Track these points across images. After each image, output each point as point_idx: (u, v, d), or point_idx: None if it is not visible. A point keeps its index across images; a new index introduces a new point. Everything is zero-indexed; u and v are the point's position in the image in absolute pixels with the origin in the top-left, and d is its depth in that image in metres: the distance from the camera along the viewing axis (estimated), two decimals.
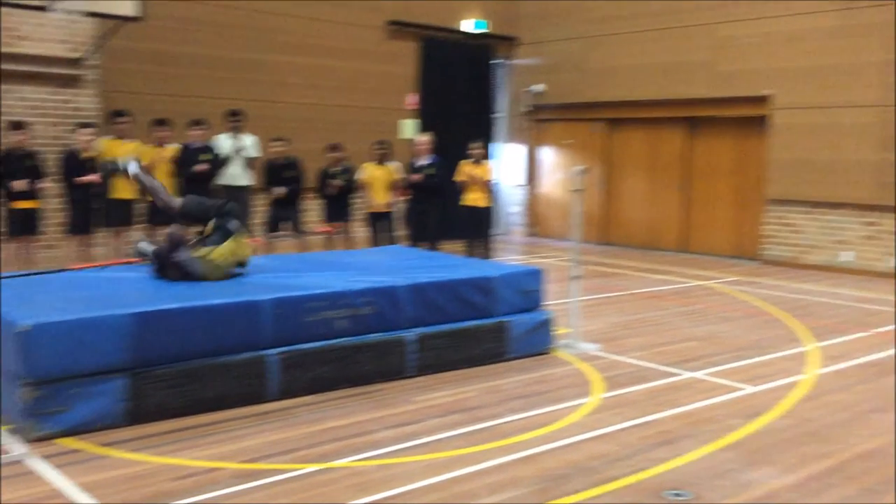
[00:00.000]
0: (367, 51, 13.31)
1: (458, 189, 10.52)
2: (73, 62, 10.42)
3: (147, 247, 6.08)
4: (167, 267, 5.71)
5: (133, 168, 6.43)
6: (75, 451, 4.25)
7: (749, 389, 5.61)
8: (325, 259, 7.21)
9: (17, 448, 4.17)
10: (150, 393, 4.65)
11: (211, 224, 5.84)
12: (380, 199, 10.31)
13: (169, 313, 4.77)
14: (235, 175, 10.05)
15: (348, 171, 10.30)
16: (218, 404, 4.87)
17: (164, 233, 6.09)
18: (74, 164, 9.01)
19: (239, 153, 10.09)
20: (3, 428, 4.42)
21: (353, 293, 5.51)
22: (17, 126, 8.92)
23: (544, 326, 6.43)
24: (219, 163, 9.83)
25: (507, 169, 15.28)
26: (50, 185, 9.18)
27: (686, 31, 12.75)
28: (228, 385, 4.92)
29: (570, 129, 14.75)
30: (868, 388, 5.70)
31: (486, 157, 10.86)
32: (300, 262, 6.83)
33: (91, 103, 10.57)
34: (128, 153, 9.39)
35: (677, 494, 3.84)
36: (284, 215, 10.13)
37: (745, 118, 12.38)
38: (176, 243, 5.72)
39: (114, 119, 9.64)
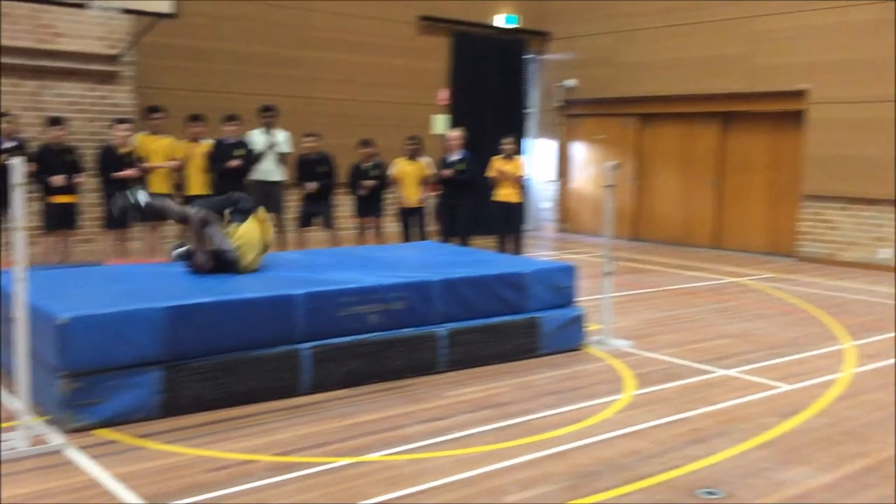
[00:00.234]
0: (398, 46, 13.34)
1: (490, 184, 10.51)
2: (110, 59, 10.56)
3: (182, 249, 6.14)
4: (198, 249, 5.75)
5: (143, 198, 6.72)
6: (112, 442, 4.31)
7: (784, 388, 5.54)
8: (356, 254, 7.24)
9: (54, 439, 4.24)
10: (185, 385, 4.71)
11: (227, 213, 5.94)
12: (411, 194, 10.33)
13: (203, 307, 4.82)
14: (268, 170, 10.13)
15: (380, 167, 10.33)
16: (251, 397, 4.92)
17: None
18: (111, 159, 9.13)
19: (272, 148, 10.16)
20: (42, 419, 4.50)
21: (385, 288, 5.53)
22: (56, 122, 9.07)
23: (576, 323, 6.40)
24: (252, 158, 9.91)
25: (539, 164, 15.23)
26: (86, 180, 9.32)
27: (721, 24, 12.61)
28: (262, 378, 4.97)
29: (602, 124, 14.66)
30: None
31: (517, 152, 10.84)
32: (332, 257, 6.86)
33: (127, 99, 10.71)
34: (162, 148, 9.54)
35: (710, 493, 3.81)
36: (316, 210, 10.19)
37: (780, 113, 12.21)
38: (204, 222, 5.79)
39: (149, 115, 9.76)
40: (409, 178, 10.32)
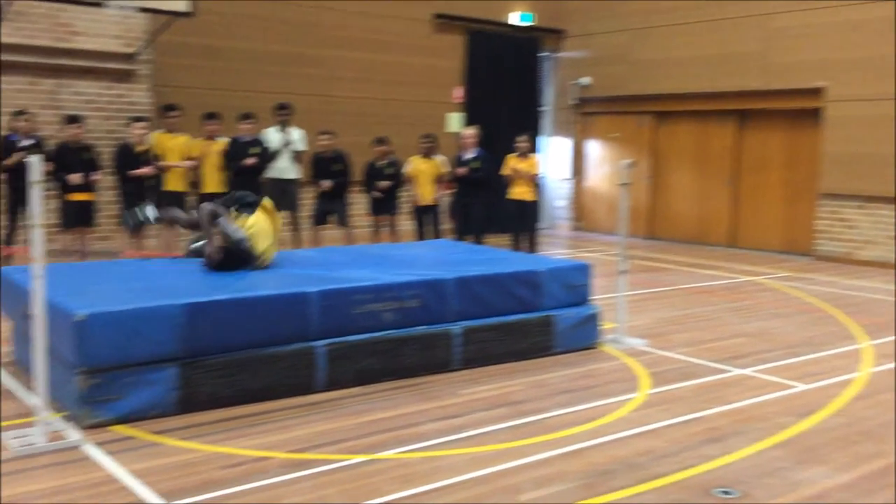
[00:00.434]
0: (413, 44, 13.35)
1: (504, 183, 10.50)
2: (127, 57, 10.63)
3: (199, 244, 6.18)
4: (209, 241, 5.80)
5: (152, 213, 6.93)
6: (128, 438, 4.34)
7: (801, 387, 5.51)
8: (371, 252, 7.25)
9: (72, 435, 4.28)
10: (201, 382, 4.73)
11: (233, 210, 5.98)
12: (425, 192, 10.33)
13: (220, 304, 4.84)
14: (284, 168, 10.16)
15: (395, 165, 10.34)
16: (267, 394, 4.94)
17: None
18: (128, 157, 9.19)
19: (287, 146, 10.20)
20: (59, 415, 4.54)
21: (399, 286, 5.53)
22: (73, 120, 9.13)
23: (591, 321, 6.39)
24: (268, 156, 9.94)
25: (553, 162, 15.21)
26: (103, 178, 9.38)
27: (736, 22, 12.54)
28: (277, 375, 4.99)
29: (617, 122, 14.62)
30: None
31: (532, 150, 10.82)
32: (347, 255, 6.87)
33: (144, 97, 10.78)
34: (178, 147, 9.59)
35: (725, 492, 3.79)
36: (331, 208, 10.22)
37: (797, 111, 12.14)
38: (214, 214, 5.84)
39: (165, 113, 9.81)
40: (424, 177, 10.33)
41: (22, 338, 5.34)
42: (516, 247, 10.36)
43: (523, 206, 10.46)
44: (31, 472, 3.88)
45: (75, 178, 8.80)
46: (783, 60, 12.05)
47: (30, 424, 4.30)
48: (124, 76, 10.65)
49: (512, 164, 10.45)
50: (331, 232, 10.48)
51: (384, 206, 10.35)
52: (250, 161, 9.63)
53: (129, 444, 4.26)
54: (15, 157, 8.59)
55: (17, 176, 8.41)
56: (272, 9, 11.98)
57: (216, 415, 4.68)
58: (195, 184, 9.72)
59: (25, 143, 8.76)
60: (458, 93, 13.92)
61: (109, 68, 10.52)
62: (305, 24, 12.31)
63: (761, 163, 12.74)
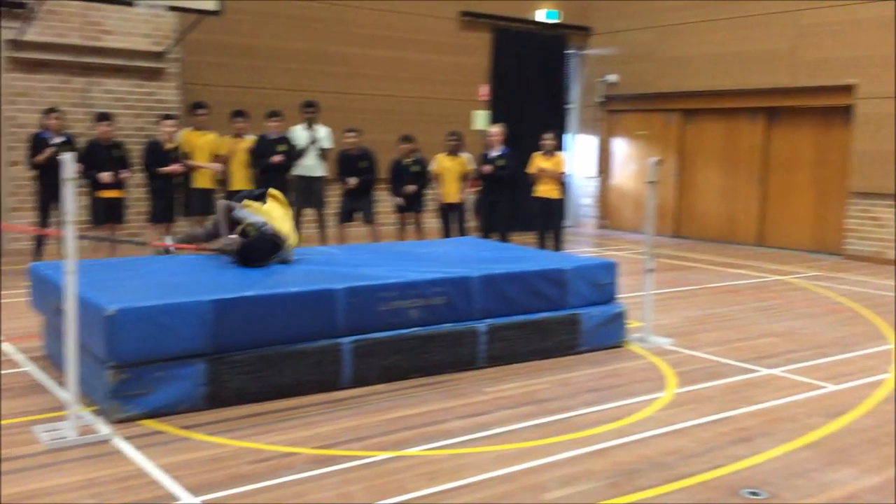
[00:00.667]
0: (440, 42, 13.35)
1: (530, 180, 10.47)
2: (157, 56, 10.73)
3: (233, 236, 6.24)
4: (227, 234, 5.90)
5: (170, 241, 7.28)
6: (157, 432, 4.39)
7: (830, 388, 5.45)
8: (397, 249, 7.27)
9: (102, 429, 4.33)
10: (229, 378, 4.77)
11: (245, 202, 6.12)
12: (451, 190, 10.33)
13: (247, 300, 4.88)
14: (311, 166, 10.20)
15: (420, 163, 10.35)
16: (293, 390, 4.97)
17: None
18: (157, 154, 9.28)
19: (314, 144, 10.24)
20: (90, 409, 4.60)
21: (425, 283, 5.54)
22: (103, 117, 9.23)
23: (617, 320, 6.36)
24: (295, 154, 9.99)
25: (580, 160, 15.15)
26: (132, 176, 9.47)
27: (765, 18, 12.41)
28: (304, 372, 5.01)
29: (644, 119, 14.53)
30: None
31: (558, 148, 10.78)
32: (373, 252, 6.90)
33: (173, 95, 10.88)
34: (206, 144, 9.66)
35: (753, 493, 3.76)
36: (357, 206, 10.25)
37: (827, 108, 12.00)
38: (229, 207, 6.01)
39: (193, 111, 9.89)
40: (450, 174, 10.33)
41: (53, 333, 5.42)
42: (542, 245, 10.34)
43: (549, 203, 10.43)
44: (63, 465, 3.93)
45: (105, 177, 8.88)
46: (813, 57, 11.91)
47: (61, 418, 4.36)
48: (153, 74, 10.76)
49: (538, 162, 10.42)
50: (357, 229, 10.51)
51: (410, 203, 10.37)
52: (277, 158, 9.68)
53: (158, 438, 4.31)
54: (46, 153, 8.71)
55: (48, 173, 8.54)
56: (299, 7, 12.04)
57: (243, 410, 4.72)
58: (223, 181, 9.79)
59: (56, 140, 8.88)
60: (485, 90, 13.91)
61: (139, 66, 10.63)
62: (332, 21, 12.36)
63: (790, 161, 12.60)
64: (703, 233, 13.62)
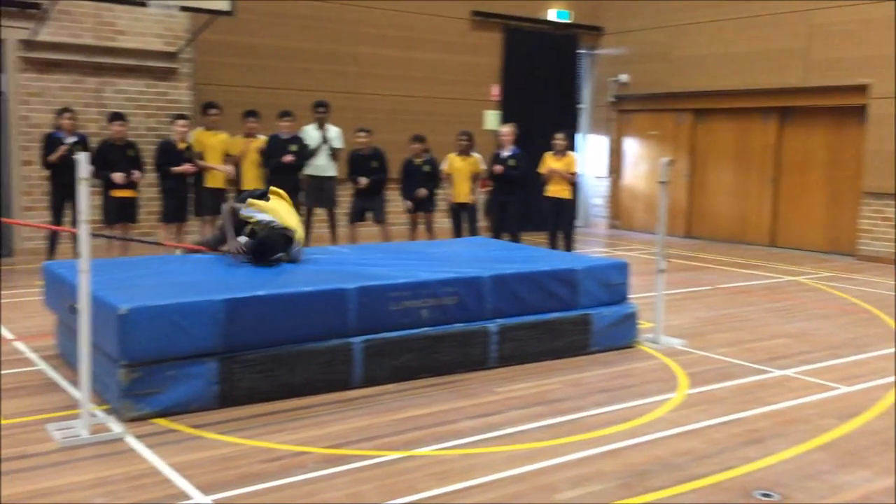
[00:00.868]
0: (451, 42, 13.35)
1: (541, 180, 10.46)
2: (169, 56, 10.78)
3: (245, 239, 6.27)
4: (235, 237, 5.95)
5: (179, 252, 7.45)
6: (169, 431, 4.40)
7: (843, 389, 5.42)
8: (408, 249, 7.27)
9: (114, 427, 4.35)
10: (241, 377, 4.79)
11: (248, 201, 6.15)
12: (462, 190, 10.33)
13: (259, 300, 4.89)
14: (322, 166, 10.22)
15: (432, 163, 10.36)
16: (304, 390, 4.98)
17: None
18: (169, 154, 9.31)
19: (325, 144, 10.26)
20: (102, 408, 4.62)
21: (436, 283, 5.54)
22: (116, 117, 9.27)
23: (629, 320, 6.35)
24: (306, 153, 10.01)
25: (591, 160, 15.12)
26: (145, 176, 9.51)
27: (777, 18, 12.36)
28: (315, 371, 5.02)
29: (655, 119, 14.49)
30: None
31: (569, 148, 10.76)
32: (384, 252, 6.90)
33: (185, 95, 10.92)
34: (218, 144, 9.70)
35: (766, 495, 3.75)
36: (368, 205, 10.26)
37: (840, 108, 11.94)
38: (235, 209, 6.10)
39: (205, 111, 9.92)
40: (461, 174, 10.32)
41: (65, 331, 5.45)
42: (553, 245, 10.33)
43: (560, 203, 10.41)
44: (75, 463, 3.95)
45: (118, 178, 8.91)
46: (825, 57, 11.85)
47: (74, 417, 4.38)
48: (166, 74, 10.80)
49: (549, 162, 10.40)
50: (368, 229, 10.52)
51: (421, 203, 10.37)
52: (289, 158, 9.71)
53: (170, 437, 4.33)
54: (59, 152, 8.76)
55: (61, 172, 8.58)
56: (310, 8, 12.06)
57: (255, 409, 4.73)
58: (235, 181, 9.82)
59: (69, 140, 8.92)
60: (496, 90, 13.90)
61: (152, 66, 10.68)
62: (343, 21, 12.37)
63: (803, 161, 12.55)
64: (715, 233, 13.57)
